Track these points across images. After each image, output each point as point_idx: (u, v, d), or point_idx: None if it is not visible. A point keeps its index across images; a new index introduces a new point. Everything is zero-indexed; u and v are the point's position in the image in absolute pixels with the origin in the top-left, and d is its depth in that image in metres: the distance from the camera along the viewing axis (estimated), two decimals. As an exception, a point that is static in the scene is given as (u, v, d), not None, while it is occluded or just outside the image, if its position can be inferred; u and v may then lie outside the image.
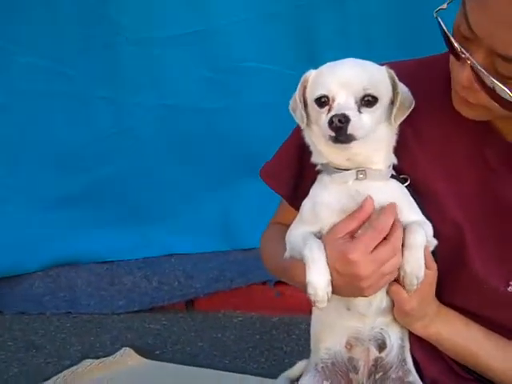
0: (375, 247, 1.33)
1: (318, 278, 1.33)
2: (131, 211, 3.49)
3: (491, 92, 1.23)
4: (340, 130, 1.28)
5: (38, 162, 3.42)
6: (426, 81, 1.49)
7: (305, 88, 1.40)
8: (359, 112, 1.31)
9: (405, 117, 1.38)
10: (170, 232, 3.51)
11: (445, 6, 1.30)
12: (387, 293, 1.42)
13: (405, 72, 1.41)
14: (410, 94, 1.39)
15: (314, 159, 1.44)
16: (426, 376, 1.52)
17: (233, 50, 3.18)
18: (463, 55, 1.24)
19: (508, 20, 1.15)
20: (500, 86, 1.21)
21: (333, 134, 1.29)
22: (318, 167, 1.44)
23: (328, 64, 1.39)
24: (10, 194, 3.45)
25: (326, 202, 1.39)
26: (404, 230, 1.36)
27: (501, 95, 1.22)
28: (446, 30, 1.27)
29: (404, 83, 1.40)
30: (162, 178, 3.43)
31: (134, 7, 3.15)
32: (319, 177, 1.44)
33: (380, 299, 1.43)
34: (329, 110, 1.32)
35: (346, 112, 1.29)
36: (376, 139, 1.36)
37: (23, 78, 3.29)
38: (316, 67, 1.41)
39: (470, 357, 1.48)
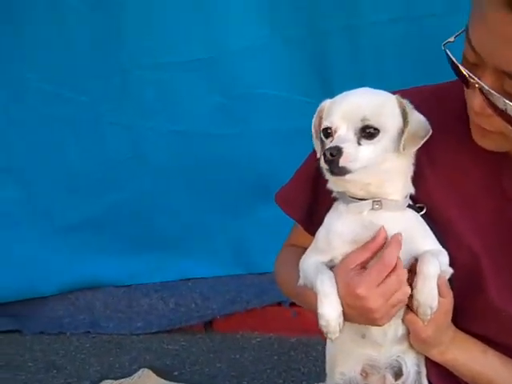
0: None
1: (330, 312, 1.34)
2: (146, 236, 3.50)
3: (504, 114, 1.24)
4: (332, 163, 1.29)
5: (53, 186, 3.45)
6: (442, 107, 1.49)
7: (321, 118, 1.41)
8: (359, 144, 1.31)
9: (418, 146, 1.36)
10: (185, 257, 3.51)
11: (452, 39, 1.31)
12: (402, 321, 1.42)
13: (420, 98, 1.41)
14: (426, 123, 1.37)
15: (330, 186, 1.44)
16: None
17: (244, 76, 3.18)
18: (472, 80, 1.25)
19: (507, 36, 1.16)
20: (511, 105, 1.21)
21: (327, 166, 1.30)
22: (334, 194, 1.45)
23: (340, 94, 1.40)
24: (27, 219, 3.50)
25: (339, 231, 1.40)
26: (417, 259, 1.36)
27: None
28: (453, 58, 1.29)
29: (419, 110, 1.39)
30: (176, 203, 3.43)
31: (146, 32, 3.16)
32: (335, 204, 1.45)
33: (395, 328, 1.43)
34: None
35: (341, 144, 1.29)
36: (386, 170, 1.36)
37: (37, 104, 3.33)
38: (328, 94, 1.43)
39: (487, 383, 1.48)
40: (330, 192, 1.45)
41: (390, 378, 1.45)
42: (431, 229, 1.42)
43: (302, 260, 1.46)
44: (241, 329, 3.46)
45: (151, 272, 3.59)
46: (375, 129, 1.31)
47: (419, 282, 1.34)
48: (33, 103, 3.35)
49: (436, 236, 1.42)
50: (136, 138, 3.37)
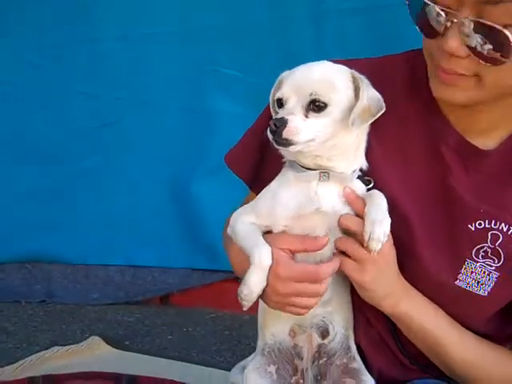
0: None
1: (257, 285, 1.38)
2: (105, 212, 3.45)
3: (480, 53, 1.25)
4: (276, 134, 1.31)
5: (14, 153, 3.41)
6: (388, 79, 1.51)
7: (279, 88, 1.42)
8: (306, 117, 1.33)
9: (369, 123, 1.38)
10: (134, 241, 3.47)
11: None
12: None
13: (369, 70, 1.42)
14: (380, 100, 1.37)
15: (282, 153, 1.45)
16: (373, 366, 1.56)
17: (212, 54, 3.19)
18: (451, 19, 1.26)
19: None
20: (497, 28, 1.21)
21: (271, 136, 1.32)
22: (284, 160, 1.46)
23: (298, 66, 1.41)
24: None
25: (285, 203, 1.41)
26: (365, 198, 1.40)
27: (490, 54, 1.25)
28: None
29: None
30: (137, 178, 3.40)
31: (116, 3, 3.16)
32: (284, 170, 1.46)
33: None
34: None
35: (287, 116, 1.31)
36: (336, 144, 1.37)
37: (3, 70, 3.31)
38: None
39: (435, 345, 1.50)
40: (278, 154, 1.46)
41: (316, 336, 1.48)
42: None
43: (236, 215, 1.47)
44: (197, 304, 3.46)
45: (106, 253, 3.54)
46: (323, 103, 1.33)
47: (372, 206, 1.36)
48: (-1, 69, 3.33)
49: None
50: (103, 107, 3.33)
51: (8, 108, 3.38)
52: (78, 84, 3.33)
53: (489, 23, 1.22)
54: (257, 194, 1.52)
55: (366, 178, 1.46)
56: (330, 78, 1.37)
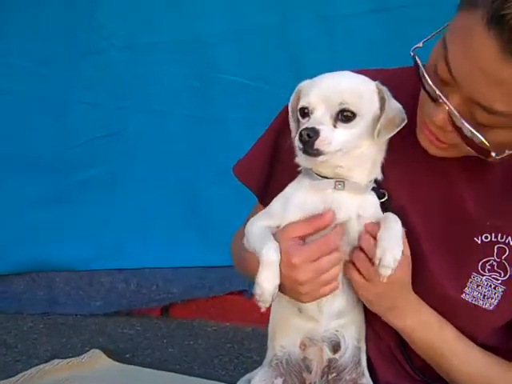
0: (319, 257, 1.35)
1: (267, 282, 1.34)
2: (110, 217, 3.47)
3: (464, 136, 1.25)
4: (307, 144, 1.28)
5: (16, 163, 3.42)
6: (394, 91, 1.51)
7: (299, 97, 1.40)
8: (334, 127, 1.31)
9: (392, 134, 1.36)
10: (145, 243, 3.49)
11: (421, 44, 1.32)
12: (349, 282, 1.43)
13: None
14: (402, 111, 1.37)
15: (299, 161, 1.43)
16: (381, 379, 1.54)
17: (218, 62, 3.22)
18: (440, 100, 1.25)
19: (493, 73, 1.16)
20: (475, 134, 1.22)
21: (301, 146, 1.30)
22: (301, 169, 1.44)
23: (320, 76, 1.39)
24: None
25: (298, 202, 1.40)
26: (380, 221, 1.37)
27: (474, 140, 1.24)
28: (423, 71, 1.28)
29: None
30: (143, 185, 3.43)
31: (121, 12, 3.19)
32: (299, 177, 1.45)
33: (330, 304, 1.43)
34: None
35: (318, 126, 1.29)
36: (359, 154, 1.36)
37: (5, 79, 3.32)
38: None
39: (440, 357, 1.48)
40: (288, 164, 1.44)
41: (326, 350, 1.45)
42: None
43: (250, 221, 1.45)
44: (197, 316, 3.44)
45: (110, 257, 3.54)
46: (352, 113, 1.31)
47: (385, 231, 1.33)
48: (2, 78, 3.32)
49: None
50: (107, 117, 3.36)
51: (11, 118, 3.39)
52: (81, 94, 3.34)
53: (471, 128, 1.23)
54: (265, 206, 1.50)
55: (382, 190, 1.44)
56: (358, 88, 1.36)
